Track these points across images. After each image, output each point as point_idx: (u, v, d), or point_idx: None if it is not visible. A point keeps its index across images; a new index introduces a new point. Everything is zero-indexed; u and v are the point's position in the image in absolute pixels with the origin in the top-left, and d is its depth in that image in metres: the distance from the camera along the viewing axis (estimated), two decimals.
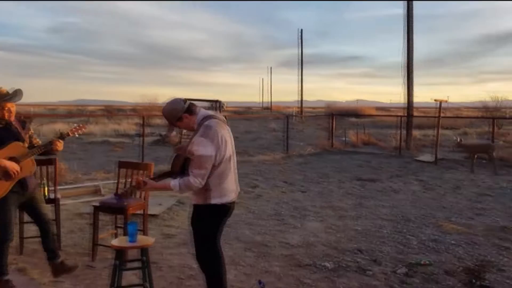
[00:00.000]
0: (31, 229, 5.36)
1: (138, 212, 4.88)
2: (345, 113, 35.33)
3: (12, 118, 3.73)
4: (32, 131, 4.00)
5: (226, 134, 3.11)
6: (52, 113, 42.12)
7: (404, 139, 15.93)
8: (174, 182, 2.99)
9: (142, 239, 3.48)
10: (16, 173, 3.63)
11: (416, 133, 19.53)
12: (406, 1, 15.98)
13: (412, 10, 15.91)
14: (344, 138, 18.11)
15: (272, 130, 26.55)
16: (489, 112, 29.82)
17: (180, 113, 3.07)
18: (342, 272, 4.39)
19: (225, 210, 3.16)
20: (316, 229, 5.81)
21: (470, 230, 5.82)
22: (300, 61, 41.15)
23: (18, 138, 3.76)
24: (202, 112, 3.15)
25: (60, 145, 3.83)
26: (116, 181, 5.02)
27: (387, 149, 15.98)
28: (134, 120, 28.56)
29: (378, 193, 8.31)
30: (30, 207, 3.95)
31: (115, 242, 3.42)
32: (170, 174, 3.14)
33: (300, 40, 41.04)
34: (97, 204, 4.58)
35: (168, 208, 6.65)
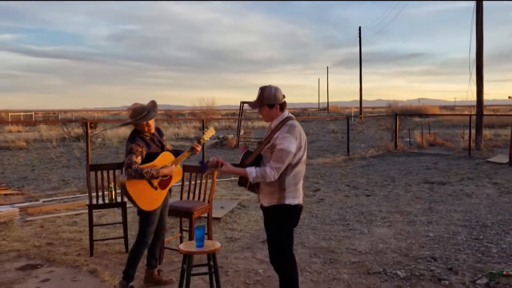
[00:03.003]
0: (100, 232, 5.57)
1: (202, 215, 4.89)
2: (409, 112, 33.95)
3: (152, 130, 3.93)
4: (165, 137, 4.20)
5: (305, 137, 3.17)
6: (115, 118, 44.20)
7: (474, 139, 15.02)
8: (250, 169, 3.01)
9: (210, 244, 3.44)
10: (173, 175, 3.86)
11: (486, 132, 18.38)
12: None
13: (482, 1, 14.95)
14: (408, 139, 17.39)
15: (331, 131, 26.09)
16: None
17: (276, 102, 3.08)
18: (415, 281, 4.12)
19: (297, 211, 3.16)
20: (384, 235, 5.54)
21: None
22: (359, 60, 40.13)
23: (163, 146, 4.00)
24: (287, 112, 3.18)
25: (199, 149, 4.07)
26: (180, 184, 5.06)
27: (455, 150, 15.14)
28: (192, 123, 29.20)
29: (449, 197, 7.83)
30: (160, 213, 4.04)
31: (182, 246, 3.40)
32: (240, 167, 3.14)
33: (359, 38, 40.03)
34: None
35: (230, 211, 6.64)
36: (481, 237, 5.40)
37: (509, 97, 11.67)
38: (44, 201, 7.33)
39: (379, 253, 4.88)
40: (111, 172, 5.08)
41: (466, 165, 11.78)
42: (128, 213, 5.17)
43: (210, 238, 4.74)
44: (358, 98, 41.76)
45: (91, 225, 4.82)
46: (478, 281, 4.06)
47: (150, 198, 3.75)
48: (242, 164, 3.12)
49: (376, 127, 28.62)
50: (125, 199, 5.10)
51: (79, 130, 21.09)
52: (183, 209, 4.49)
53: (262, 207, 3.26)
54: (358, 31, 40.60)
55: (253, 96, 3.22)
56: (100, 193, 5.03)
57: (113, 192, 4.96)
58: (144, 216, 3.86)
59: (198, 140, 4.08)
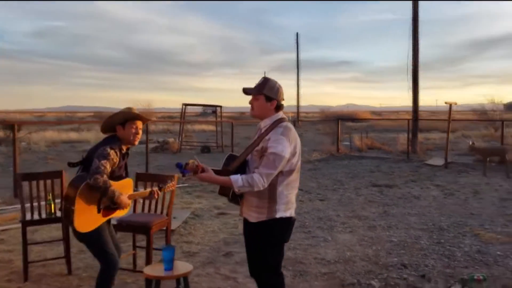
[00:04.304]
0: (34, 250, 4.83)
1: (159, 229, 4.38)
2: (342, 117, 34.98)
3: (136, 142, 3.36)
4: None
5: (299, 142, 2.77)
6: (40, 120, 41.08)
7: (409, 142, 15.60)
8: (235, 177, 2.59)
9: (180, 266, 2.98)
10: (123, 208, 3.28)
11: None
12: (412, 4, 15.72)
13: (418, 13, 15.64)
14: (349, 143, 17.72)
15: None
16: (486, 115, 29.71)
17: (276, 97, 2.71)
18: None
19: (290, 225, 2.79)
20: (348, 241, 5.35)
21: None
22: (297, 65, 40.83)
23: (127, 171, 3.43)
24: (281, 113, 2.78)
25: (156, 196, 3.57)
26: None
27: (393, 153, 15.64)
28: None
29: (400, 200, 7.88)
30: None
31: (149, 270, 2.92)
32: (222, 173, 2.69)
33: (296, 44, 40.71)
34: (114, 222, 4.05)
35: (183, 221, 6.14)
36: (442, 240, 5.37)
37: (446, 103, 12.15)
38: None
39: (348, 261, 4.66)
40: (48, 182, 4.41)
41: (407, 168, 12.10)
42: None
43: None
44: (292, 103, 42.50)
45: (25, 244, 4.12)
46: None
47: (88, 219, 3.10)
48: (225, 171, 2.68)
49: (313, 131, 29.09)
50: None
51: None
52: (138, 223, 3.97)
53: (245, 221, 2.84)
54: (294, 38, 41.31)
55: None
56: (35, 204, 4.35)
57: (52, 205, 4.30)
58: (91, 239, 3.19)
59: (160, 188, 3.57)
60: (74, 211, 3.00)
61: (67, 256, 4.30)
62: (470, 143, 11.37)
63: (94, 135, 22.44)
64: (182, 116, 18.43)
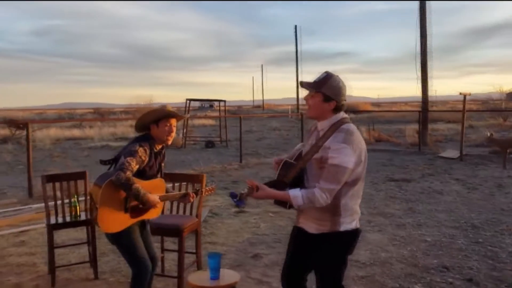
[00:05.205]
0: (55, 253, 4.58)
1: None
2: (353, 109, 34.73)
3: (170, 141, 3.17)
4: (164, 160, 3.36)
5: (365, 147, 2.42)
6: (40, 117, 41.45)
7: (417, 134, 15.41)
8: (295, 192, 2.31)
9: (227, 275, 2.74)
10: (154, 208, 3.07)
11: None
12: None
13: (424, 2, 15.36)
14: None
15: (273, 129, 25.87)
16: (488, 104, 29.46)
17: (336, 98, 2.35)
18: None
19: (355, 237, 2.50)
20: (380, 241, 5.12)
21: None
22: (296, 57, 40.57)
23: (160, 170, 3.22)
24: (342, 113, 2.42)
25: (191, 200, 3.39)
26: None
27: (403, 146, 15.41)
28: (128, 122, 27.51)
29: (422, 195, 7.65)
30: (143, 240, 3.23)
31: (193, 279, 2.69)
32: (278, 185, 2.42)
33: (295, 37, 40.45)
34: None
35: (203, 220, 5.90)
36: (480, 240, 5.14)
37: (460, 93, 11.91)
38: None
39: (385, 263, 4.43)
40: (71, 183, 4.18)
41: (421, 161, 11.88)
42: (96, 229, 4.29)
43: (199, 260, 4.02)
44: (289, 96, 42.31)
45: (51, 248, 3.90)
46: None
47: (113, 219, 2.90)
48: (281, 182, 2.41)
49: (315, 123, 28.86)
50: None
51: (4, 132, 19.09)
52: (169, 226, 3.72)
53: (301, 230, 2.57)
54: (291, 30, 41.08)
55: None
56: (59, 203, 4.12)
57: (77, 207, 4.07)
58: (120, 241, 3.04)
59: (196, 192, 3.38)
60: (98, 209, 2.84)
61: (94, 260, 4.08)
62: (489, 134, 11.13)
63: (97, 132, 22.21)
64: (187, 111, 18.18)
